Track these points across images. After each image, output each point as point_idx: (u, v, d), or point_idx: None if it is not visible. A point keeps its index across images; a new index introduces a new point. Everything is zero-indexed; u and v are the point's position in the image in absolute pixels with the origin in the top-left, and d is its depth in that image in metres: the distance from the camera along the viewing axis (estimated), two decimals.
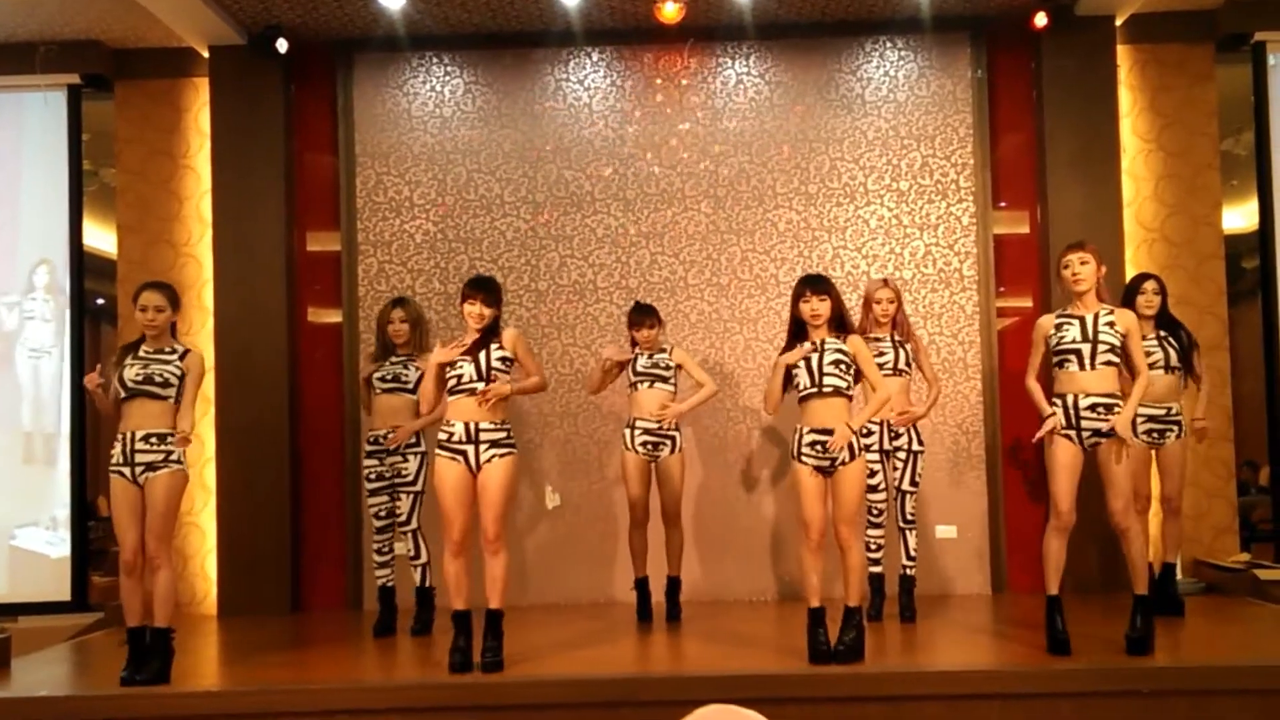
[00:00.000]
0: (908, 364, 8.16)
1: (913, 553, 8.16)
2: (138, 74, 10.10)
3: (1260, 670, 6.14)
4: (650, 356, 8.45)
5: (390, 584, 8.46)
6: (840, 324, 6.73)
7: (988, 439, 9.54)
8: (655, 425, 8.36)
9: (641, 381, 8.42)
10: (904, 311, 8.28)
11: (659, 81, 9.89)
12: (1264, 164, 9.88)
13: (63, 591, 9.80)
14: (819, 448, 6.54)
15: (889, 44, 9.84)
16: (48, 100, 10.15)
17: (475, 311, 6.77)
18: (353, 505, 9.44)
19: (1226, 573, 9.12)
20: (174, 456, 6.72)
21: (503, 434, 6.75)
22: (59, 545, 9.90)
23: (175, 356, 6.82)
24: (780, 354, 6.80)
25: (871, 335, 8.08)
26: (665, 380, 8.44)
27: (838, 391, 6.58)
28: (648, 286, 9.70)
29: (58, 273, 10.08)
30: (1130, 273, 9.40)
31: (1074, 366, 6.73)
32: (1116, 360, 6.75)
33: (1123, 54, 9.74)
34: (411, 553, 8.25)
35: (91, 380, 6.83)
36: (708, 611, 8.78)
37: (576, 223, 9.82)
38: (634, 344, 8.54)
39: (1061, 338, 6.78)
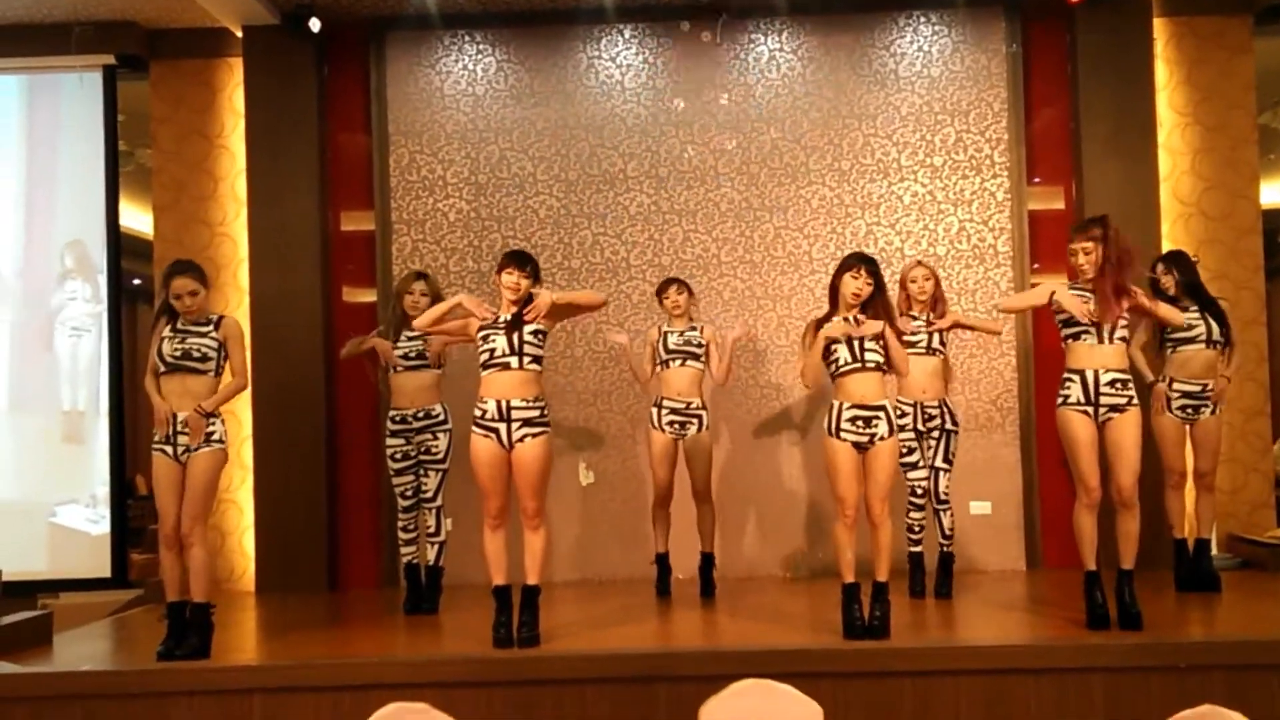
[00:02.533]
0: (942, 343, 8.09)
1: (948, 531, 8.13)
2: (172, 54, 10.15)
3: None
4: (681, 334, 8.43)
5: (416, 560, 8.41)
6: (874, 305, 6.66)
7: (1022, 415, 9.51)
8: (682, 404, 8.36)
9: (673, 359, 8.39)
10: (941, 288, 8.19)
11: (692, 58, 9.87)
12: None
13: (103, 568, 9.90)
14: (859, 423, 6.54)
15: (923, 19, 9.80)
16: (83, 81, 10.21)
17: (512, 282, 6.70)
18: (387, 484, 9.45)
19: (1263, 548, 9.07)
20: (215, 436, 6.75)
21: (535, 412, 6.68)
22: (99, 522, 9.99)
23: (210, 326, 6.83)
24: (815, 324, 6.75)
25: (910, 313, 8.05)
26: (696, 358, 8.41)
27: (878, 367, 6.57)
28: (680, 264, 9.69)
29: (90, 252, 10.14)
30: (1166, 250, 9.37)
31: (1092, 340, 6.69)
32: (1129, 337, 6.79)
33: (1159, 27, 9.67)
34: (431, 528, 8.20)
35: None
36: (739, 587, 8.79)
37: (609, 200, 9.82)
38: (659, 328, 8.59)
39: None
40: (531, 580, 6.74)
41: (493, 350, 6.69)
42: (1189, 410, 8.00)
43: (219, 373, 6.84)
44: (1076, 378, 6.74)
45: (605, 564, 9.56)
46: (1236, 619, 7.31)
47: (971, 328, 8.33)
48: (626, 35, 9.91)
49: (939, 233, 9.66)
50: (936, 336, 8.06)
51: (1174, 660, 5.96)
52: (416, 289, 8.22)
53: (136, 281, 11.22)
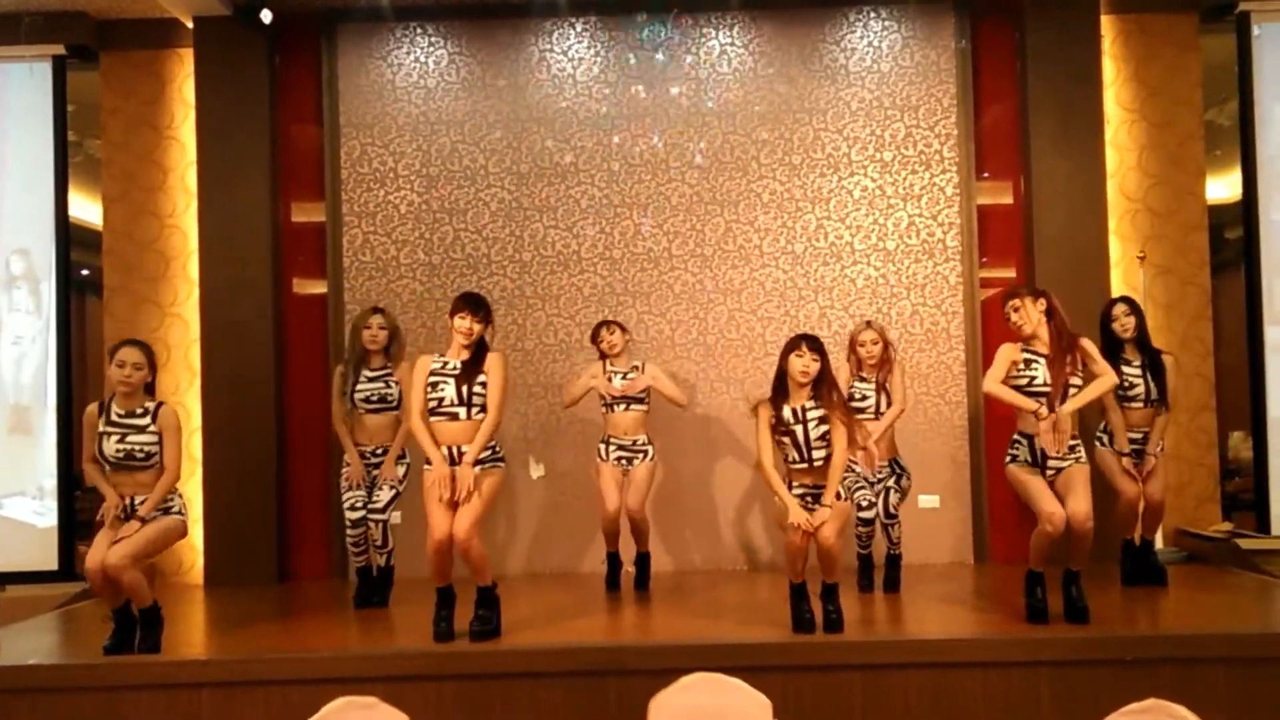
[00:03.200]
0: (888, 404, 8.11)
1: (895, 540, 8.15)
2: (122, 45, 10.07)
3: (1242, 638, 6.17)
4: (624, 376, 8.49)
5: (367, 564, 8.35)
6: (822, 385, 6.62)
7: (970, 409, 9.58)
8: (629, 442, 8.45)
9: (617, 404, 8.48)
10: (891, 350, 8.20)
11: (643, 52, 9.88)
12: (1248, 134, 9.89)
13: (50, 561, 9.83)
14: (808, 499, 6.60)
15: (873, 14, 9.84)
16: (33, 71, 10.12)
17: (465, 327, 6.68)
18: (337, 475, 9.46)
19: (1208, 542, 9.18)
20: (174, 509, 6.72)
21: (487, 452, 6.71)
22: (46, 515, 9.92)
23: (149, 420, 6.64)
24: (757, 405, 6.73)
25: (858, 377, 8.14)
26: (640, 401, 8.50)
27: (825, 460, 6.58)
28: (631, 257, 9.72)
29: (35, 261, 10.08)
30: (1114, 246, 9.48)
31: (1043, 409, 6.69)
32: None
33: (1106, 24, 9.74)
34: (379, 541, 8.11)
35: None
36: (682, 581, 8.83)
37: (560, 193, 9.82)
38: (601, 356, 8.58)
39: (1033, 378, 6.74)
40: (483, 583, 6.75)
41: (441, 399, 6.67)
42: (1137, 457, 8.03)
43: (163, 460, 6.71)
44: (1025, 441, 6.82)
45: (554, 557, 9.58)
46: (1182, 613, 7.39)
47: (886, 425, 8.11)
48: (578, 29, 9.91)
49: (888, 227, 9.72)
50: (883, 399, 8.09)
51: (1120, 654, 6.03)
52: (374, 323, 8.15)
53: (85, 273, 11.11)
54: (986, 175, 9.81)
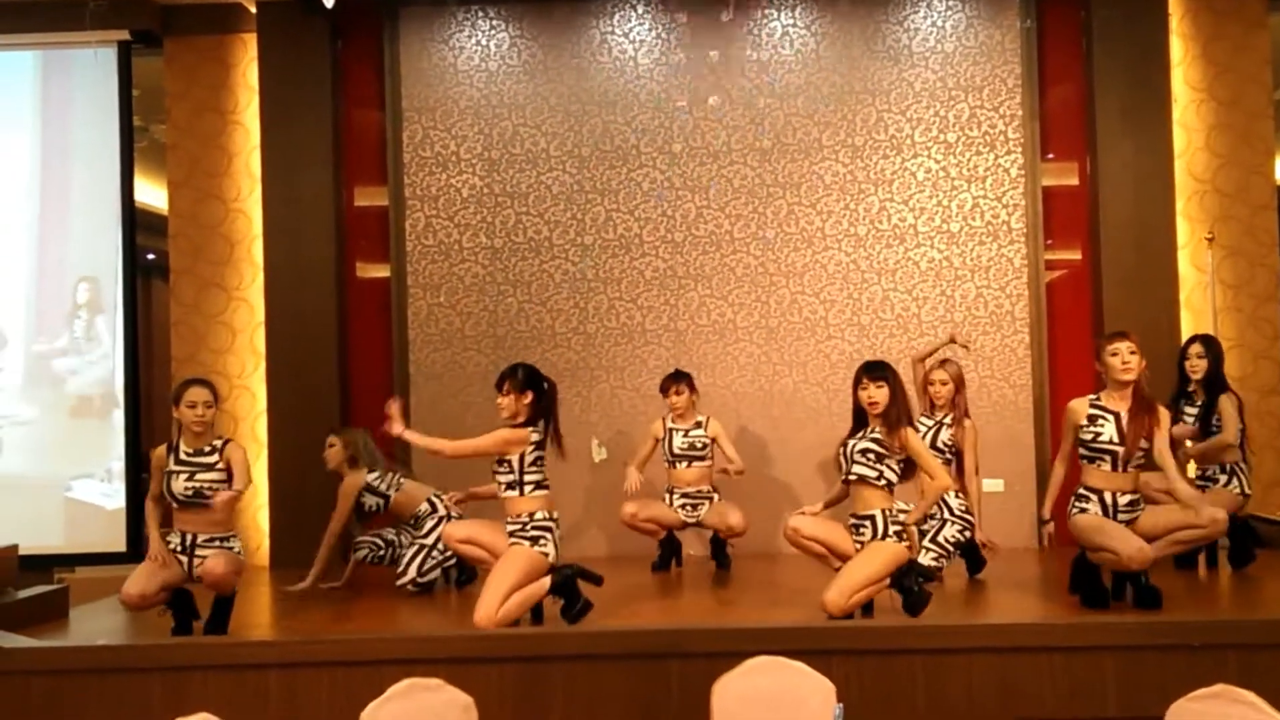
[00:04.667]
0: (949, 449, 7.83)
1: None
2: (186, 30, 10.15)
3: None
4: (686, 434, 8.59)
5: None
6: (901, 414, 6.45)
7: (1035, 392, 9.50)
8: (694, 491, 8.61)
9: (679, 461, 8.61)
10: (964, 393, 7.93)
11: (705, 34, 9.85)
12: None
13: (118, 542, 9.93)
14: (856, 529, 6.51)
15: None
16: (98, 57, 10.20)
17: (506, 404, 6.63)
18: (401, 458, 9.51)
19: (1278, 526, 9.06)
20: (234, 548, 6.78)
21: (518, 525, 6.57)
22: (114, 497, 10.03)
23: (216, 457, 6.69)
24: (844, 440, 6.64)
25: (924, 413, 7.89)
26: (701, 458, 8.61)
27: (863, 480, 6.45)
28: (693, 240, 9.71)
29: (101, 289, 10.17)
30: (1181, 227, 9.36)
31: (1107, 467, 6.59)
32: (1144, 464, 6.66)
33: (1174, 2, 9.62)
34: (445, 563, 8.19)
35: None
36: (745, 564, 8.81)
37: (622, 176, 9.82)
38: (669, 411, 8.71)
39: (1097, 434, 6.59)
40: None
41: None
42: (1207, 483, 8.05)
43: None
44: (1094, 496, 6.66)
45: (617, 540, 9.55)
46: (1250, 598, 7.32)
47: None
48: (640, 10, 9.89)
49: (952, 209, 9.65)
50: (943, 436, 7.83)
51: (1186, 639, 5.96)
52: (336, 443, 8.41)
53: (151, 257, 11.23)
54: (1051, 156, 9.72)
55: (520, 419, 6.59)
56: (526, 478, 6.57)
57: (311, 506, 9.40)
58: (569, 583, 6.59)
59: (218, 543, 6.70)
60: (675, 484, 8.66)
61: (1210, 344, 8.07)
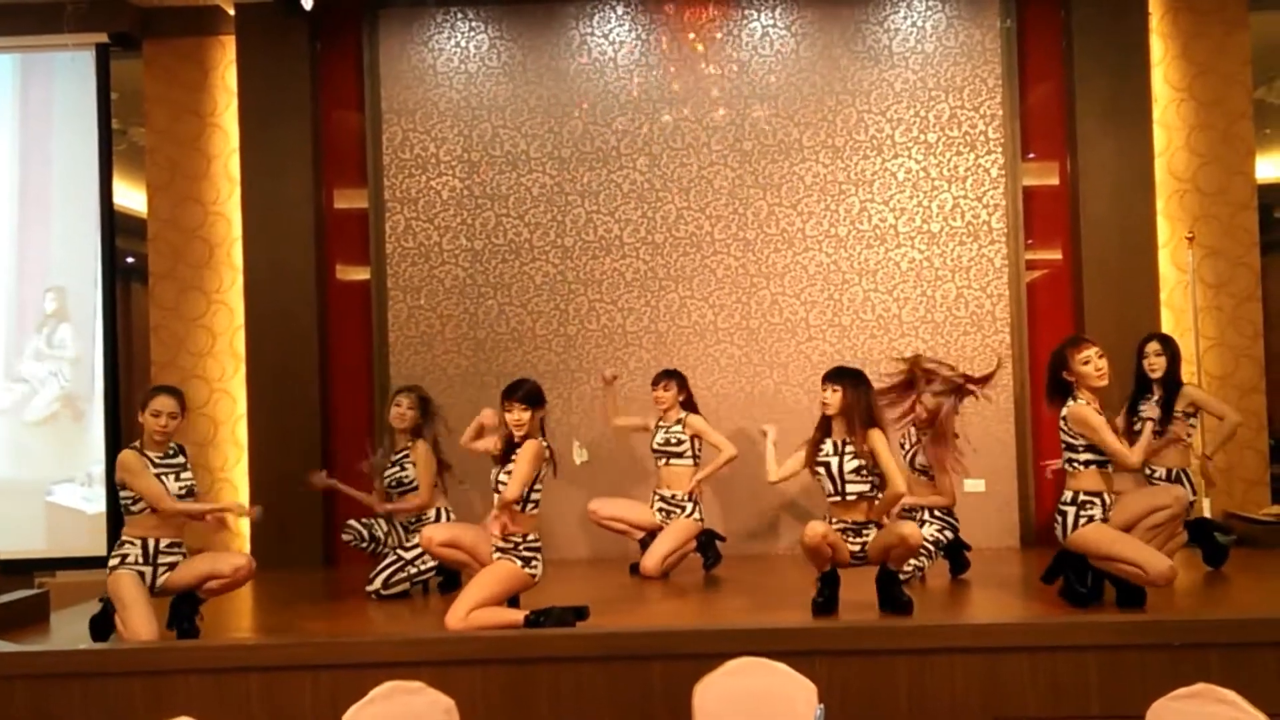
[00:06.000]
0: (917, 463, 7.84)
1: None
2: (165, 33, 10.13)
3: None
4: (666, 430, 8.61)
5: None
6: (860, 418, 6.67)
7: (1015, 392, 9.51)
8: (670, 495, 8.60)
9: (658, 458, 8.67)
10: (951, 423, 7.77)
11: (685, 34, 9.85)
12: None
13: (99, 546, 9.86)
14: (850, 535, 6.67)
15: None
16: (76, 60, 10.18)
17: (513, 419, 6.53)
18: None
19: (1258, 525, 9.09)
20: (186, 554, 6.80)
21: (510, 545, 6.50)
22: (95, 501, 10.00)
23: (183, 459, 6.77)
24: (806, 443, 6.96)
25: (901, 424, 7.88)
26: (680, 455, 8.59)
27: (861, 497, 6.68)
28: (674, 241, 9.70)
29: (68, 298, 10.15)
30: (1162, 227, 9.39)
31: (1110, 468, 6.63)
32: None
33: (1154, 1, 9.64)
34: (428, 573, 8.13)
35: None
36: (728, 566, 8.78)
37: (602, 177, 9.81)
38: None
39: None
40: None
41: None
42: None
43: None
44: (1097, 499, 6.61)
45: (599, 543, 9.52)
46: (1232, 597, 7.32)
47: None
48: (619, 11, 9.88)
49: (933, 209, 9.65)
50: (919, 455, 7.84)
51: (1168, 639, 5.97)
52: (405, 402, 8.23)
53: (130, 260, 11.19)
54: (1032, 156, 9.73)
55: (530, 434, 6.55)
56: (533, 495, 6.54)
57: (292, 507, 9.41)
58: (544, 623, 6.49)
59: (178, 549, 6.69)
60: (658, 484, 8.70)
61: (1167, 342, 8.04)
